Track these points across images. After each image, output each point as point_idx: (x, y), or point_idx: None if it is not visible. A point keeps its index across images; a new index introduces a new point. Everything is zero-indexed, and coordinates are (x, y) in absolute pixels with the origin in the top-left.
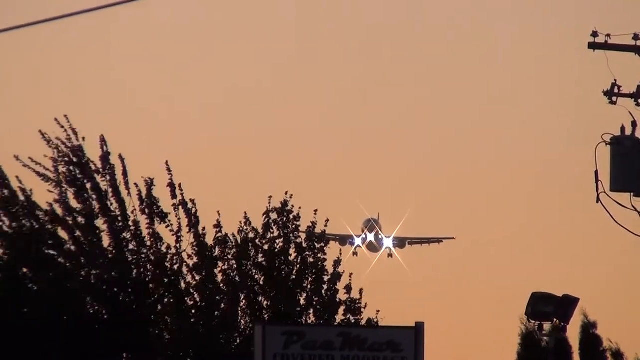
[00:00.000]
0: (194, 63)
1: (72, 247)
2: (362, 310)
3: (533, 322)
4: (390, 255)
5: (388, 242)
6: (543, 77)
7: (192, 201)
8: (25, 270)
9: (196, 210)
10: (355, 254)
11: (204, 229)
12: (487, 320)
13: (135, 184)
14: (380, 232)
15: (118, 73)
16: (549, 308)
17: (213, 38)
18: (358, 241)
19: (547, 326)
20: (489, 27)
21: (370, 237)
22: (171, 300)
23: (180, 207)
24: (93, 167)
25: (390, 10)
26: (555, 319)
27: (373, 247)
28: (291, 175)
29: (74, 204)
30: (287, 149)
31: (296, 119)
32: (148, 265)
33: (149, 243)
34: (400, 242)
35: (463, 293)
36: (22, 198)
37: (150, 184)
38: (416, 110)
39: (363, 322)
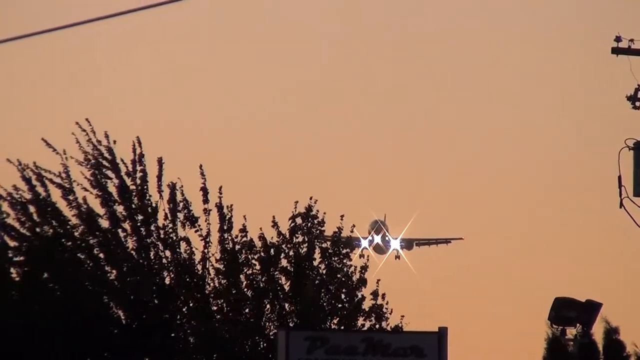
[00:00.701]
0: (223, 70)
1: (97, 250)
2: (387, 316)
3: (556, 327)
4: (397, 257)
5: (395, 244)
6: (566, 81)
7: (230, 207)
8: (46, 274)
9: (231, 216)
10: (362, 256)
11: (236, 235)
12: (511, 324)
13: (168, 185)
14: (387, 234)
15: (152, 78)
16: (572, 313)
17: (244, 45)
18: (365, 243)
19: (570, 331)
20: (511, 32)
21: (377, 239)
22: (196, 304)
23: (211, 211)
24: (124, 170)
25: (404, 14)
26: (578, 324)
27: (379, 249)
28: (295, 177)
29: (97, 206)
30: (291, 151)
31: (299, 121)
32: (172, 269)
33: (177, 247)
34: (407, 244)
35: (484, 297)
36: (49, 201)
37: (172, 187)
38: (426, 110)
39: (386, 327)
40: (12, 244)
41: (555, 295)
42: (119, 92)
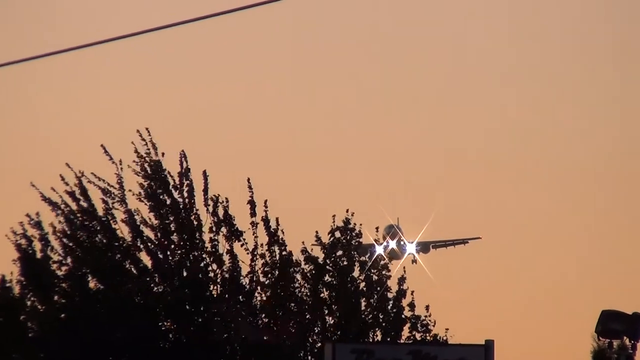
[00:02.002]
0: (266, 83)
1: (147, 263)
2: (432, 327)
3: (603, 339)
4: (414, 261)
5: (411, 248)
6: (601, 81)
7: (277, 220)
8: (94, 285)
9: (277, 229)
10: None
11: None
12: (555, 337)
13: (211, 198)
14: (402, 238)
15: (197, 90)
16: (619, 326)
17: (289, 58)
18: (379, 249)
19: (617, 344)
20: (546, 33)
21: (392, 244)
22: (244, 317)
23: (258, 224)
24: (171, 183)
25: (425, 26)
26: (625, 337)
27: (395, 254)
28: (306, 182)
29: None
30: (300, 156)
31: (310, 122)
32: (219, 282)
33: (224, 261)
34: (423, 247)
35: (527, 308)
36: (99, 211)
37: (215, 201)
38: (439, 109)
39: (429, 339)
40: (56, 257)
41: (602, 307)
42: (168, 104)
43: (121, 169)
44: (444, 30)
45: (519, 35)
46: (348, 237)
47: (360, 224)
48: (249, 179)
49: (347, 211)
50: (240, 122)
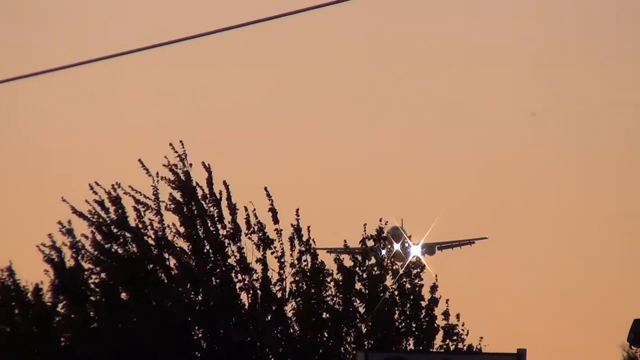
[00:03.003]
0: (292, 92)
1: (179, 273)
2: (465, 336)
3: (635, 348)
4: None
5: (416, 250)
6: (607, 79)
7: (308, 228)
8: (126, 295)
9: (309, 237)
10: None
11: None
12: (584, 346)
13: (229, 206)
14: (407, 240)
15: (224, 101)
16: None
17: (312, 68)
18: (383, 252)
19: None
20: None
21: (397, 246)
22: (275, 327)
23: (282, 231)
24: (200, 193)
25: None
26: None
27: (399, 257)
28: (301, 184)
29: (181, 229)
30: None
31: (305, 123)
32: (251, 291)
33: (252, 270)
34: (429, 249)
35: (557, 317)
36: (132, 221)
37: (233, 209)
38: (449, 112)
39: (459, 348)
40: (87, 266)
41: (634, 317)
42: (193, 112)
43: (158, 180)
44: (444, 33)
45: (520, 36)
46: (381, 246)
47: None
48: (266, 188)
49: (381, 220)
50: (255, 128)
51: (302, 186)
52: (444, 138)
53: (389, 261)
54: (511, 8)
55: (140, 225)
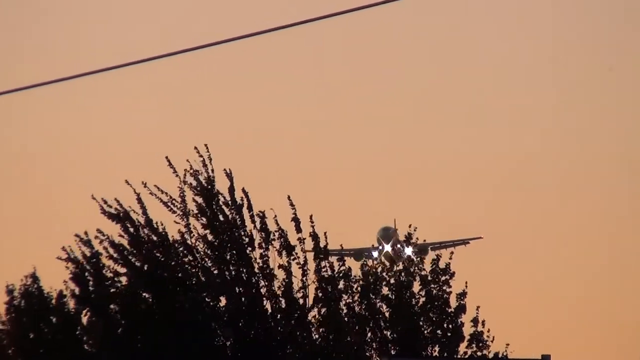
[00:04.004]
0: (312, 99)
1: (202, 278)
2: (490, 343)
3: None
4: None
5: (409, 251)
6: (605, 82)
7: (325, 234)
8: (149, 299)
9: (327, 244)
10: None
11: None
12: (608, 351)
13: (258, 214)
14: (399, 241)
15: (247, 108)
16: None
17: (331, 75)
18: (375, 254)
19: None
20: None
21: (388, 247)
22: (298, 332)
23: (305, 239)
24: (222, 200)
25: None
26: None
27: (391, 258)
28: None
29: (201, 233)
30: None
31: (299, 121)
32: (272, 297)
33: (274, 276)
34: (422, 249)
35: (582, 323)
36: (155, 227)
37: (262, 216)
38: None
39: (484, 355)
40: (109, 274)
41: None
42: (215, 121)
43: (184, 182)
44: (439, 34)
45: (521, 38)
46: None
47: (425, 240)
48: (289, 197)
49: (410, 226)
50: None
51: (298, 186)
52: (439, 138)
53: (380, 262)
54: (516, 13)
55: (160, 234)
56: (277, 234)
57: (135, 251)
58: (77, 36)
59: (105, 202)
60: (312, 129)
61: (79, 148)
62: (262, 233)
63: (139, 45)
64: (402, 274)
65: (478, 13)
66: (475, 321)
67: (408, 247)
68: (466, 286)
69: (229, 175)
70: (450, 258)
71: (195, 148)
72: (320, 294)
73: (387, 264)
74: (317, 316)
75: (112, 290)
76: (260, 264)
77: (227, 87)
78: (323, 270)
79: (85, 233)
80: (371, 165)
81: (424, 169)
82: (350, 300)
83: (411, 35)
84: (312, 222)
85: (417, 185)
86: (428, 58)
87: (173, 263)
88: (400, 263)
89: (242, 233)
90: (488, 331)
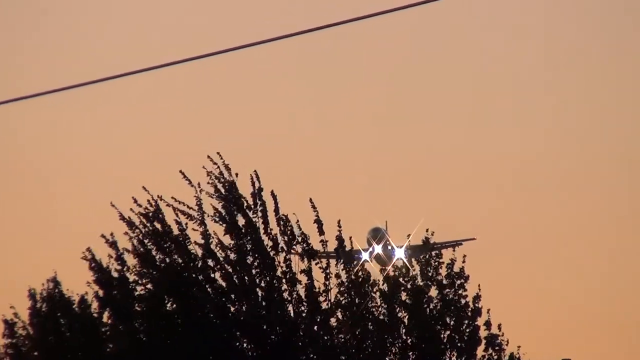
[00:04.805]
0: (331, 101)
1: (223, 283)
2: (505, 346)
3: None
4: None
5: (400, 253)
6: (599, 81)
7: (350, 239)
8: (173, 305)
9: (352, 248)
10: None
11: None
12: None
13: (281, 217)
14: (390, 242)
15: (267, 112)
16: None
17: (340, 81)
18: (365, 255)
19: None
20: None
21: (378, 248)
22: (320, 337)
23: (327, 242)
24: (244, 204)
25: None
26: None
27: (381, 260)
28: (291, 180)
29: (225, 240)
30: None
31: (296, 119)
32: (295, 302)
33: (297, 280)
34: (413, 251)
35: (600, 326)
36: (175, 233)
37: (285, 220)
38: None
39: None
40: (132, 277)
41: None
42: (237, 125)
43: (200, 190)
44: (439, 35)
45: (519, 40)
46: (427, 256)
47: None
48: (311, 199)
49: (427, 230)
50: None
51: (293, 187)
52: (433, 138)
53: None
54: (507, 19)
55: (182, 237)
56: (299, 237)
57: (158, 254)
58: (95, 42)
59: (136, 201)
60: (310, 129)
61: (99, 153)
62: (285, 237)
63: (155, 51)
64: (419, 278)
65: (478, 13)
66: (488, 324)
67: (400, 248)
68: (479, 289)
69: (253, 179)
70: (464, 262)
71: (218, 154)
72: (342, 299)
73: (379, 265)
74: (339, 320)
75: (136, 293)
76: (284, 268)
77: (241, 93)
78: (346, 275)
79: (112, 234)
80: (362, 165)
81: (416, 170)
82: (371, 305)
83: (411, 37)
84: (340, 227)
85: (409, 186)
86: (428, 59)
87: (194, 266)
88: (412, 265)
89: (266, 237)
90: (502, 334)
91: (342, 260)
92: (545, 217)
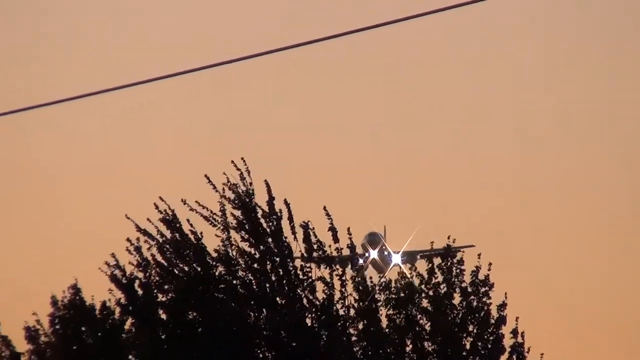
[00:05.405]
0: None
1: (242, 291)
2: (526, 354)
3: None
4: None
5: (397, 258)
6: (596, 85)
7: (363, 246)
8: (194, 313)
9: (364, 253)
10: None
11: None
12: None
13: (301, 225)
14: (386, 247)
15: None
16: None
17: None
18: (362, 261)
19: None
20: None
21: (374, 254)
22: (337, 344)
23: (342, 250)
24: (260, 212)
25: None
26: None
27: (377, 266)
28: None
29: (244, 247)
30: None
31: (298, 123)
32: (313, 309)
33: (314, 288)
34: (409, 257)
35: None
36: (193, 241)
37: (305, 227)
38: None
39: None
40: (154, 285)
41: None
42: (251, 134)
43: (223, 197)
44: (431, 47)
45: (511, 46)
46: (449, 264)
47: (463, 251)
48: (325, 207)
49: (449, 237)
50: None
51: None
52: (433, 143)
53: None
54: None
55: (200, 245)
56: (315, 245)
57: (179, 261)
58: (118, 49)
59: (157, 207)
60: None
61: (122, 159)
62: (305, 244)
63: (171, 59)
64: (442, 285)
65: (477, 15)
66: (514, 332)
67: (397, 254)
68: (506, 297)
69: (269, 187)
70: (489, 269)
71: (232, 162)
72: (359, 305)
73: (375, 270)
74: (357, 328)
75: (158, 299)
76: (301, 276)
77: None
78: (363, 282)
79: (137, 239)
80: (361, 169)
81: (416, 175)
82: (391, 312)
83: (410, 44)
84: (350, 234)
85: (408, 191)
86: (428, 63)
87: (213, 274)
88: (411, 272)
89: (283, 244)
90: (522, 345)
91: (355, 267)
92: (551, 222)
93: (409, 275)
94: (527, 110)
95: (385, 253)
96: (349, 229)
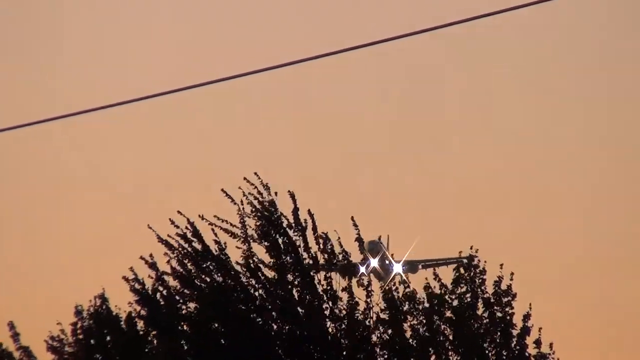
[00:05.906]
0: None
1: (265, 302)
2: None
3: None
4: (403, 282)
5: (398, 267)
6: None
7: (392, 256)
8: (216, 325)
9: (390, 262)
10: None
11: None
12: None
13: (321, 235)
14: (387, 256)
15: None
16: None
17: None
18: (363, 269)
19: None
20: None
21: (374, 262)
22: (362, 355)
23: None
24: (285, 222)
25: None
26: None
27: (378, 275)
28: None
29: (265, 258)
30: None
31: (303, 129)
32: (336, 320)
33: (339, 298)
34: (411, 266)
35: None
36: (215, 252)
37: (325, 238)
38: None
39: None
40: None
41: None
42: (274, 143)
43: (243, 208)
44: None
45: (509, 50)
46: (472, 274)
47: (485, 261)
48: (352, 217)
49: (471, 248)
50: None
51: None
52: (434, 154)
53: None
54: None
55: (223, 256)
56: (340, 255)
57: (199, 273)
58: (133, 63)
59: (173, 222)
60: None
61: (144, 174)
62: (325, 255)
63: (190, 72)
64: (466, 296)
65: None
66: (538, 342)
67: (398, 263)
68: (530, 308)
69: (294, 197)
70: (512, 279)
71: (245, 178)
72: (384, 316)
73: (376, 279)
74: (382, 338)
75: (180, 312)
76: (324, 286)
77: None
78: (388, 292)
79: (151, 255)
80: (364, 180)
81: (417, 185)
82: (415, 322)
83: (412, 54)
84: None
85: (411, 201)
86: (429, 68)
87: (235, 285)
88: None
89: (306, 255)
90: (553, 353)
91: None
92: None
93: (432, 286)
94: (530, 114)
95: (387, 262)
96: (379, 238)
